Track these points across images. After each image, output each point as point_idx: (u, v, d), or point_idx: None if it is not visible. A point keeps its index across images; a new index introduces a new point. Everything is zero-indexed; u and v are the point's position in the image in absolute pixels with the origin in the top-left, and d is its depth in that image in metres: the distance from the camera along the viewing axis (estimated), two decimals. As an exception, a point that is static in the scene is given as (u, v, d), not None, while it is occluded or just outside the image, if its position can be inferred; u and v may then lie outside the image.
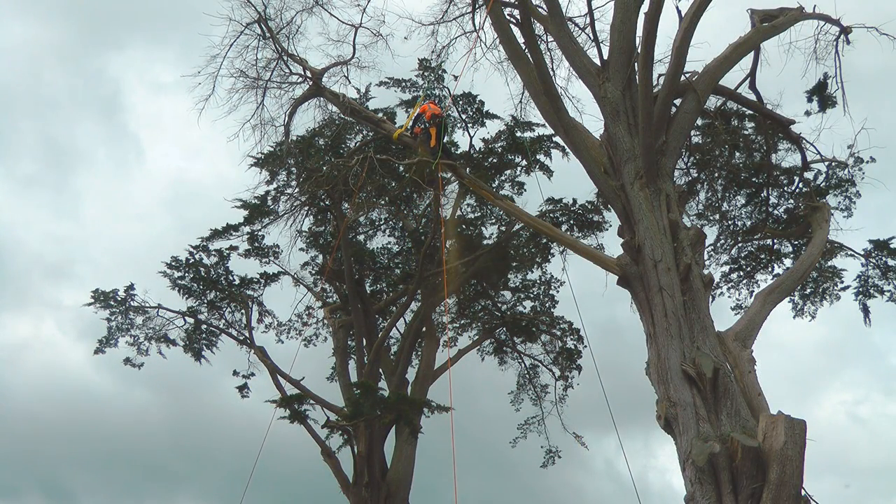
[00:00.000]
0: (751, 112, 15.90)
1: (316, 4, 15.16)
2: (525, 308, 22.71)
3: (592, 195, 19.68)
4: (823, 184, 16.39)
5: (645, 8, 11.32)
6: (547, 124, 13.38)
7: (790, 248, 17.28)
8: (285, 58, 14.97)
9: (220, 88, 15.13)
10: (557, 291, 22.42)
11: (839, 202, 16.58)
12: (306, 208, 19.81)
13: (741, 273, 18.02)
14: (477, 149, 20.06)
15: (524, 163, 20.19)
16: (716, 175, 17.25)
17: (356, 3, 15.22)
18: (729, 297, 18.16)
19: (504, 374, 23.33)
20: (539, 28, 14.02)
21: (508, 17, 12.82)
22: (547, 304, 22.59)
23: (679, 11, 12.65)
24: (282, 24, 14.97)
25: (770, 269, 17.60)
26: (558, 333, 22.56)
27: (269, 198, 19.82)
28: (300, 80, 15.10)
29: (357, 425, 18.05)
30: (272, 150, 18.21)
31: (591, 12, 14.05)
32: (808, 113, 15.69)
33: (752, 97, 15.02)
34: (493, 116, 19.83)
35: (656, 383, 10.17)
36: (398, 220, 21.97)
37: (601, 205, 19.86)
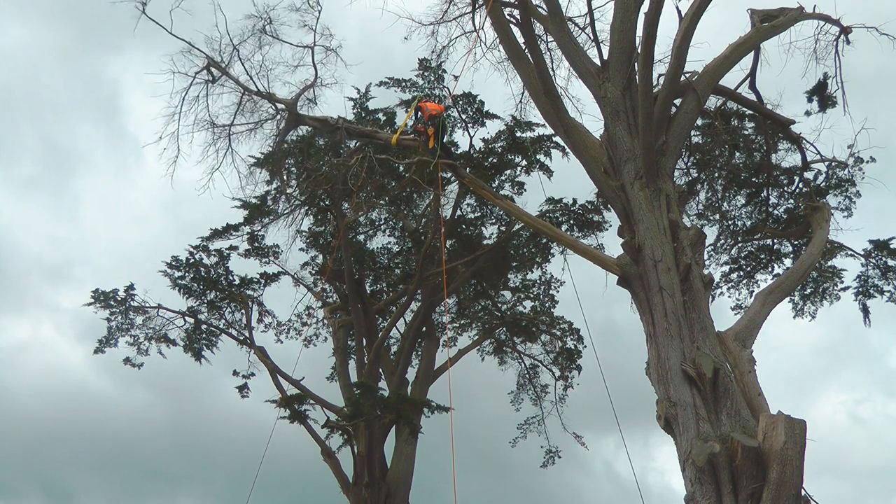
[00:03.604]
0: (751, 112, 15.89)
1: (263, 34, 14.54)
2: (525, 308, 22.72)
3: (592, 195, 19.70)
4: (823, 184, 16.40)
5: (645, 8, 11.32)
6: (547, 124, 13.37)
7: (790, 248, 17.27)
8: (254, 97, 14.32)
9: (188, 143, 14.53)
10: (557, 291, 22.46)
11: (839, 202, 16.59)
12: (306, 208, 19.81)
13: (741, 273, 18.01)
14: (477, 149, 20.05)
15: (524, 163, 20.18)
16: (716, 175, 17.25)
17: (303, 23, 14.73)
18: (729, 297, 18.18)
19: (504, 374, 23.38)
20: (539, 28, 14.02)
21: (508, 17, 12.83)
22: (547, 304, 22.60)
23: (679, 11, 12.64)
24: (227, 61, 14.18)
25: (770, 269, 17.60)
26: (558, 333, 22.57)
27: (268, 198, 19.82)
28: (273, 114, 14.55)
29: (357, 425, 18.06)
30: (271, 150, 18.18)
31: (591, 12, 14.05)
32: (808, 113, 15.70)
33: (752, 97, 15.01)
34: (493, 116, 19.81)
35: (656, 383, 10.17)
36: (398, 220, 21.96)
37: (601, 205, 19.85)
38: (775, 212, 17.07)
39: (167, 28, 13.91)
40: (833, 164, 15.99)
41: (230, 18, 14.37)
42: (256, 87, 14.44)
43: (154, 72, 14.21)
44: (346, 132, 14.45)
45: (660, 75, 13.24)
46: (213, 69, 14.23)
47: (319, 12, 14.40)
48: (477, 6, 15.09)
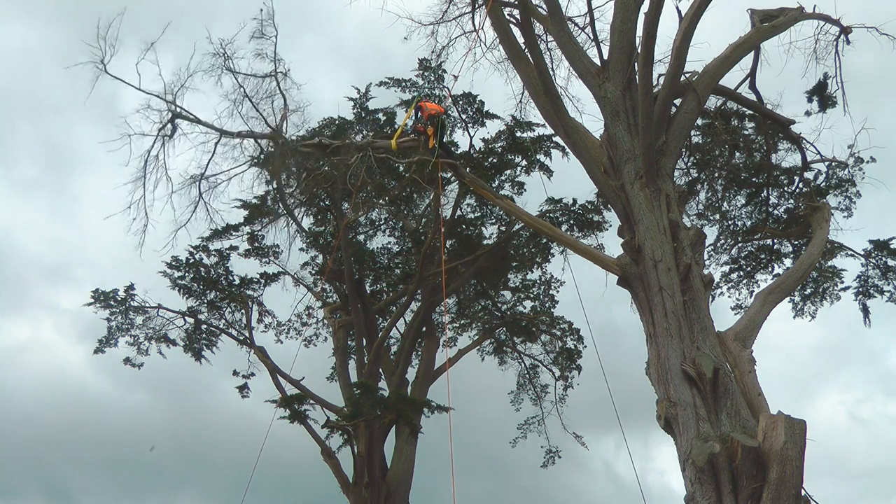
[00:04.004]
0: (751, 112, 15.89)
1: (226, 71, 13.52)
2: (525, 308, 22.72)
3: (592, 195, 19.70)
4: (823, 184, 16.40)
5: (645, 8, 11.33)
6: (547, 124, 13.38)
7: (790, 248, 17.28)
8: (233, 139, 13.43)
9: (155, 206, 13.44)
10: (557, 291, 22.46)
11: (839, 202, 16.59)
12: (305, 208, 19.80)
13: (741, 273, 18.02)
14: (477, 149, 20.05)
15: (524, 163, 20.18)
16: (716, 175, 17.25)
17: (259, 53, 13.82)
18: (729, 297, 18.18)
19: (504, 375, 23.38)
20: (539, 28, 14.02)
21: (508, 17, 12.84)
22: (547, 304, 22.60)
23: (679, 11, 12.66)
24: (192, 110, 13.17)
25: (770, 269, 17.60)
26: (558, 333, 22.57)
27: (268, 198, 19.79)
28: (258, 153, 13.80)
29: (357, 425, 18.06)
30: (272, 151, 18.14)
31: (591, 12, 14.05)
32: (808, 113, 15.71)
33: (752, 97, 15.02)
34: (493, 116, 19.80)
35: (656, 383, 10.18)
36: (398, 220, 21.96)
37: (601, 205, 19.85)
38: (775, 212, 17.08)
39: (134, 84, 12.96)
40: (833, 164, 16.00)
41: (186, 62, 13.18)
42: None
43: (109, 138, 12.86)
44: (346, 148, 14.13)
45: (660, 75, 13.24)
46: (177, 120, 13.15)
47: (276, 36, 13.60)
48: (477, 6, 15.09)
